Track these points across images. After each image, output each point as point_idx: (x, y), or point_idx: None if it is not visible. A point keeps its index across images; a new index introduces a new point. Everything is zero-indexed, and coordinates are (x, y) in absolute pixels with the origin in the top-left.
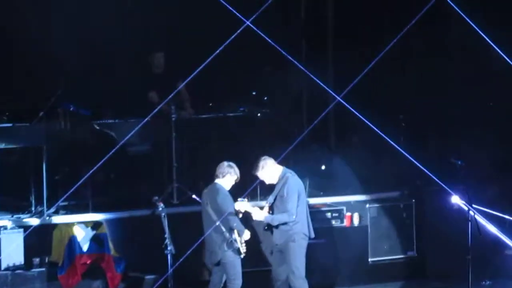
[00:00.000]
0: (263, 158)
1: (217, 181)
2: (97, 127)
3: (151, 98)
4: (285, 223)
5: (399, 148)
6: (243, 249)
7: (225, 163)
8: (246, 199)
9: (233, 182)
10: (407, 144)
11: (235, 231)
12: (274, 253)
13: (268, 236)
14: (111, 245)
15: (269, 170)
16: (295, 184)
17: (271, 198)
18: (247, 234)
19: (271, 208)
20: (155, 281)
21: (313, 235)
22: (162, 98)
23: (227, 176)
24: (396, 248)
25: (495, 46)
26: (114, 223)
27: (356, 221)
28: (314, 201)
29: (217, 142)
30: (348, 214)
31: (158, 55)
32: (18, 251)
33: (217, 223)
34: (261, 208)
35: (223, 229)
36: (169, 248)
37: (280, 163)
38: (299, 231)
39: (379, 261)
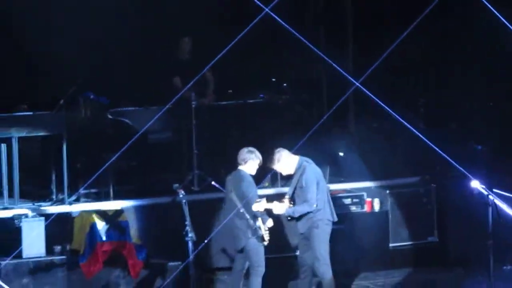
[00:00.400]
0: (277, 150)
1: (240, 167)
2: (112, 116)
3: (175, 83)
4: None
5: (418, 134)
6: (266, 236)
7: (245, 149)
8: (263, 199)
9: (256, 167)
10: (426, 129)
11: (259, 218)
12: (299, 240)
13: (292, 226)
14: (132, 233)
15: (286, 162)
16: (313, 172)
17: (290, 190)
18: (270, 222)
19: (292, 199)
20: (177, 268)
21: (336, 219)
22: (185, 84)
23: (249, 162)
24: (417, 234)
25: None
26: (135, 211)
27: (376, 207)
28: (334, 187)
29: (237, 129)
30: (369, 199)
31: (186, 40)
32: (39, 239)
33: (241, 210)
34: (281, 200)
35: (247, 216)
36: (190, 235)
37: (299, 150)
38: (322, 218)
39: (400, 246)
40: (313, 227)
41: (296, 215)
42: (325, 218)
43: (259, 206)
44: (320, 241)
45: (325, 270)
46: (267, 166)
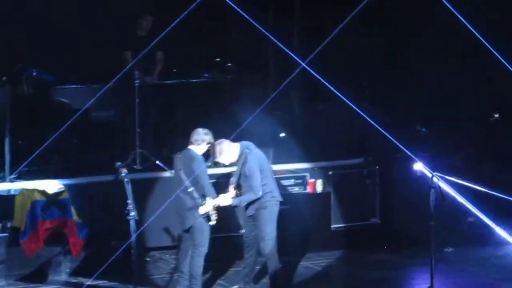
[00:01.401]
0: (217, 142)
1: (191, 147)
2: (54, 94)
3: (125, 58)
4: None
5: (363, 114)
6: (214, 216)
7: (201, 130)
8: (206, 199)
9: (206, 148)
10: (371, 110)
11: (208, 197)
12: (246, 221)
13: (241, 212)
14: (73, 211)
15: (227, 153)
16: (255, 159)
17: (234, 179)
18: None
19: (238, 187)
20: (119, 246)
21: (281, 199)
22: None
23: (203, 144)
24: (359, 215)
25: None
26: (77, 189)
27: (319, 188)
28: (277, 167)
29: (181, 108)
30: (311, 180)
31: (148, 18)
32: None
33: (190, 189)
34: (226, 191)
35: (196, 195)
36: (132, 213)
37: (243, 131)
38: (270, 199)
39: (342, 227)
40: (260, 208)
41: (243, 204)
42: (273, 199)
43: (205, 208)
44: (267, 221)
45: (271, 250)
46: (212, 144)
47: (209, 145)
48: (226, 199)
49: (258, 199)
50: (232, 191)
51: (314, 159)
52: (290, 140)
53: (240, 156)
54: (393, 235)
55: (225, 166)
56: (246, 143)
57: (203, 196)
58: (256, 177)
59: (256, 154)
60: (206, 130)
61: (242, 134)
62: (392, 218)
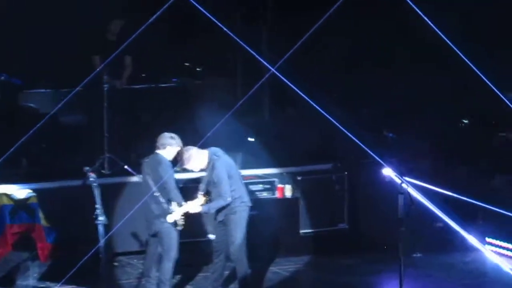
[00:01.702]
0: (186, 149)
1: (158, 151)
2: (22, 98)
3: (94, 62)
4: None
5: (331, 119)
6: (181, 221)
7: (167, 135)
8: (174, 206)
9: (175, 153)
10: (340, 115)
11: (174, 202)
12: (216, 226)
13: (210, 217)
14: (41, 215)
15: (196, 160)
16: (223, 165)
17: (202, 186)
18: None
19: (207, 193)
20: (87, 251)
21: (250, 204)
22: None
23: (169, 148)
24: (327, 220)
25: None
26: (45, 193)
27: (288, 193)
28: (246, 172)
29: (150, 113)
30: (280, 186)
31: (117, 22)
32: None
33: (156, 194)
34: (194, 197)
35: (162, 200)
36: (100, 218)
37: (212, 136)
38: (240, 204)
39: (310, 232)
40: (230, 214)
41: (212, 211)
42: (243, 204)
43: (173, 216)
44: (236, 226)
45: (240, 255)
46: (180, 151)
47: (177, 149)
48: (194, 206)
49: (227, 204)
50: (201, 197)
51: (283, 164)
52: (259, 145)
53: (208, 162)
54: (362, 241)
55: (193, 172)
56: (214, 149)
57: (169, 201)
58: (225, 184)
59: (224, 160)
60: (172, 134)
61: (211, 139)
62: (361, 224)
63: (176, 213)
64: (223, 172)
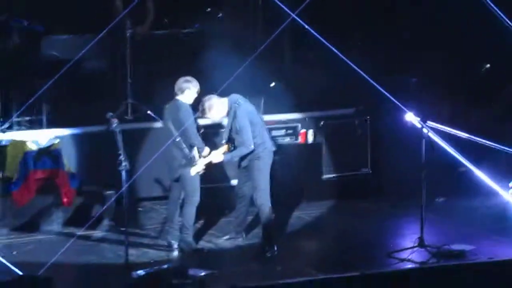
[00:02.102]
0: (206, 98)
1: (177, 97)
2: (44, 44)
3: (116, 7)
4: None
5: (352, 65)
6: (202, 166)
7: (182, 79)
8: (197, 151)
9: (194, 96)
10: (362, 60)
11: (195, 148)
12: (239, 171)
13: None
14: (65, 161)
15: (216, 109)
16: (244, 114)
17: (225, 134)
18: (206, 151)
19: (230, 141)
20: (111, 197)
21: (274, 148)
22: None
23: (186, 92)
24: (350, 165)
25: None
26: (68, 139)
27: (310, 138)
28: (268, 118)
29: (172, 58)
30: (303, 131)
31: None
32: None
33: (178, 139)
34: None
35: (183, 145)
36: (123, 164)
37: (234, 82)
38: (263, 149)
39: (333, 177)
40: (254, 159)
41: (235, 159)
42: (266, 150)
43: (198, 167)
44: (260, 172)
45: (264, 201)
46: (201, 101)
47: (195, 91)
48: (217, 155)
49: (251, 152)
50: (223, 146)
51: (305, 109)
52: (281, 90)
53: (229, 110)
54: (384, 185)
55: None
56: (234, 96)
57: (191, 147)
58: (247, 131)
59: (246, 108)
60: (187, 77)
61: (233, 85)
62: (383, 168)
63: (199, 164)
64: (245, 120)
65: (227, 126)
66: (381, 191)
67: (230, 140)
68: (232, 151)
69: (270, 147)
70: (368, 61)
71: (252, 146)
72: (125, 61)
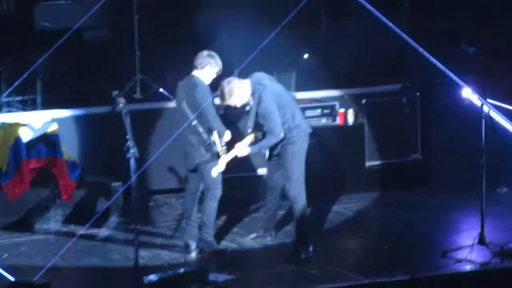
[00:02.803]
0: (226, 82)
1: (194, 73)
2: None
3: None
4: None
5: (401, 33)
6: (223, 153)
7: (205, 53)
8: (217, 136)
9: (214, 75)
10: (411, 28)
11: (214, 132)
12: (269, 158)
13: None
14: (64, 148)
15: (238, 94)
16: (270, 96)
17: (250, 122)
18: (228, 135)
19: (257, 129)
20: (117, 189)
21: (310, 130)
22: None
23: (207, 68)
24: (397, 150)
25: None
26: (67, 122)
27: (350, 119)
28: (301, 96)
29: (187, 27)
30: (342, 110)
31: None
32: None
33: (194, 123)
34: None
35: (201, 129)
36: (131, 150)
37: (259, 54)
38: (296, 133)
39: (378, 165)
40: (287, 144)
41: (264, 151)
42: (302, 133)
43: (220, 166)
44: (294, 158)
45: (298, 193)
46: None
47: (216, 70)
48: (242, 148)
49: (282, 140)
50: (249, 135)
51: (344, 85)
52: (316, 63)
53: (252, 94)
54: (437, 173)
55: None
56: (257, 76)
57: (210, 131)
58: (274, 117)
59: (272, 89)
60: (211, 52)
61: (259, 57)
62: (436, 154)
63: (222, 162)
64: (272, 104)
65: (251, 112)
66: (433, 180)
67: (257, 128)
68: (260, 140)
69: (306, 130)
70: (417, 28)
71: (282, 134)
72: (133, 30)
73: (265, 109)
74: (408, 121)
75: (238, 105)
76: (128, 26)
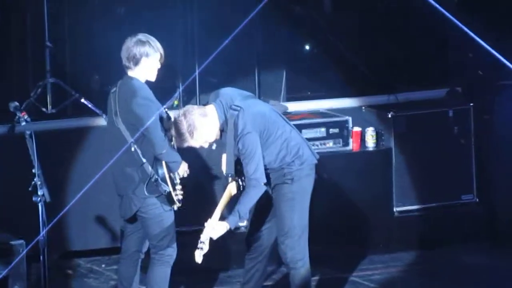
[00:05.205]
0: (181, 113)
1: (130, 73)
2: None
3: None
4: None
5: (450, 16)
6: (178, 194)
7: (132, 40)
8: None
9: (157, 67)
10: (461, 13)
11: (163, 162)
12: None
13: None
14: None
15: (203, 130)
16: (249, 123)
17: (226, 165)
18: (184, 167)
19: (239, 174)
20: (18, 249)
21: (315, 159)
22: None
23: (143, 62)
24: (442, 190)
25: None
26: None
27: (370, 142)
28: (296, 107)
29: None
30: (357, 129)
31: None
32: None
33: (132, 148)
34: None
35: (143, 158)
36: (40, 192)
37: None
38: (298, 166)
39: (412, 211)
40: (282, 184)
41: (246, 216)
42: (304, 165)
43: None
44: (294, 204)
45: (300, 255)
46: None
47: (157, 59)
48: (216, 228)
49: (277, 169)
50: (229, 188)
51: (359, 91)
52: (316, 59)
53: (223, 126)
54: (500, 220)
55: None
56: (225, 96)
57: (156, 160)
58: (257, 159)
59: (249, 112)
60: (141, 37)
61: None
62: (498, 195)
63: (204, 246)
64: (252, 137)
65: (227, 150)
66: (497, 233)
67: (237, 173)
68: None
69: (310, 159)
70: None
71: (263, 185)
72: (42, 10)
73: (243, 144)
74: (457, 145)
75: (205, 146)
76: (33, 6)
